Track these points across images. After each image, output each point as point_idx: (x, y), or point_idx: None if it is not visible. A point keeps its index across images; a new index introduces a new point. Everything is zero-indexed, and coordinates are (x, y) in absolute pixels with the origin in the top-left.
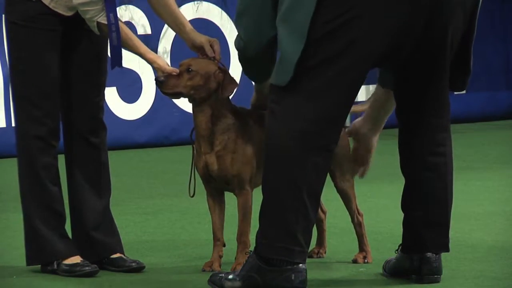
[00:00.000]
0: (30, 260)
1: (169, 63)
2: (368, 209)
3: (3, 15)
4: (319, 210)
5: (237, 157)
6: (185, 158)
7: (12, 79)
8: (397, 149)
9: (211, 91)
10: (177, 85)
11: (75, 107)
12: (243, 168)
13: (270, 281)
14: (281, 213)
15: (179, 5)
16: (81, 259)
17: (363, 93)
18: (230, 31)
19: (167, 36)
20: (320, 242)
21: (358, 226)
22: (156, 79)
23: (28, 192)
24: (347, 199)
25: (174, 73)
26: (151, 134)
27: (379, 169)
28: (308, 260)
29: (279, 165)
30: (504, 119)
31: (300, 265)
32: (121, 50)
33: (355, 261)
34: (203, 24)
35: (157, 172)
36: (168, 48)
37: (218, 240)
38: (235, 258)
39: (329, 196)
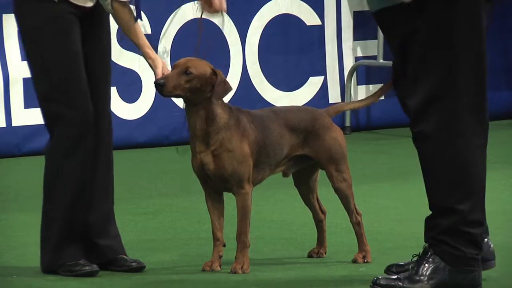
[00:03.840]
0: (42, 267)
1: (169, 63)
2: (367, 209)
3: (18, 22)
4: (319, 210)
5: (234, 155)
6: (185, 158)
7: (40, 82)
8: (396, 150)
9: (206, 94)
10: (176, 87)
11: (93, 105)
12: (240, 167)
13: (460, 281)
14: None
15: (179, 5)
16: (82, 258)
17: (363, 93)
18: (230, 31)
19: (167, 36)
20: (320, 242)
21: (357, 226)
22: (155, 83)
23: (52, 194)
24: (345, 199)
25: (167, 72)
26: (151, 134)
27: (377, 169)
28: (308, 260)
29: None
30: (504, 118)
31: None
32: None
33: (355, 261)
34: (203, 24)
35: (157, 172)
36: (168, 48)
37: (217, 240)
38: (235, 258)
39: (329, 197)
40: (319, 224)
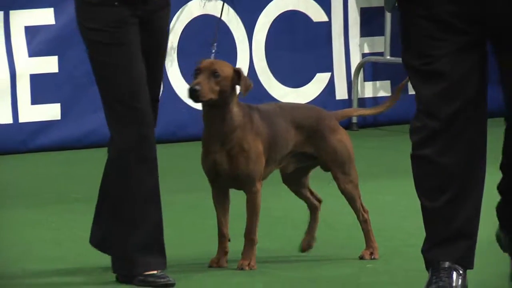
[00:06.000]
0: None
1: (175, 60)
2: (373, 205)
3: (78, 24)
4: (313, 199)
5: (249, 155)
6: (191, 154)
7: (101, 86)
8: (402, 146)
9: (230, 94)
10: (209, 91)
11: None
12: (254, 166)
13: None
14: None
15: (186, 1)
16: (157, 270)
17: (370, 89)
18: (237, 28)
19: (175, 31)
20: (310, 232)
21: (364, 223)
22: (190, 89)
23: (120, 205)
24: (352, 199)
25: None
26: (158, 130)
27: (384, 166)
28: (314, 257)
29: None
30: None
31: None
32: None
33: (362, 258)
34: (210, 21)
35: (163, 168)
36: (175, 44)
37: (223, 237)
38: (241, 254)
39: (336, 193)
40: (314, 211)
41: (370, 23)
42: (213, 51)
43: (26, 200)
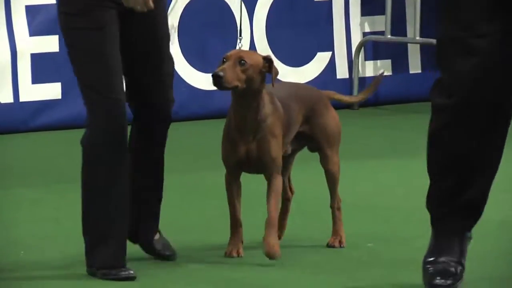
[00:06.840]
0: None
1: (176, 39)
2: (374, 184)
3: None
4: (288, 189)
5: (277, 141)
6: (193, 134)
7: (75, 70)
8: (403, 126)
9: (259, 83)
10: (234, 78)
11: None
12: (280, 151)
13: None
14: None
15: None
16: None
17: (371, 68)
18: (237, 7)
19: (175, 11)
20: (280, 224)
21: (337, 211)
22: (214, 75)
23: (93, 190)
24: (334, 182)
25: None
26: None
27: (384, 145)
28: (314, 239)
29: None
30: None
31: None
32: None
33: (332, 246)
34: (211, 1)
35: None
36: (176, 24)
37: (238, 224)
38: (262, 239)
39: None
40: (285, 202)
41: (371, 2)
42: (239, 44)
43: (26, 179)
